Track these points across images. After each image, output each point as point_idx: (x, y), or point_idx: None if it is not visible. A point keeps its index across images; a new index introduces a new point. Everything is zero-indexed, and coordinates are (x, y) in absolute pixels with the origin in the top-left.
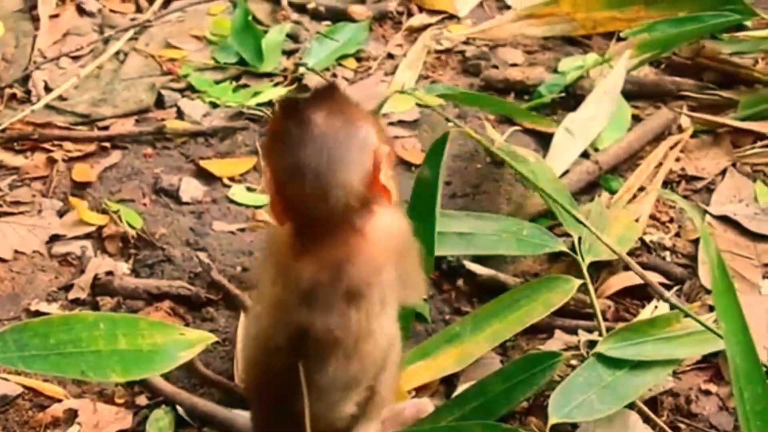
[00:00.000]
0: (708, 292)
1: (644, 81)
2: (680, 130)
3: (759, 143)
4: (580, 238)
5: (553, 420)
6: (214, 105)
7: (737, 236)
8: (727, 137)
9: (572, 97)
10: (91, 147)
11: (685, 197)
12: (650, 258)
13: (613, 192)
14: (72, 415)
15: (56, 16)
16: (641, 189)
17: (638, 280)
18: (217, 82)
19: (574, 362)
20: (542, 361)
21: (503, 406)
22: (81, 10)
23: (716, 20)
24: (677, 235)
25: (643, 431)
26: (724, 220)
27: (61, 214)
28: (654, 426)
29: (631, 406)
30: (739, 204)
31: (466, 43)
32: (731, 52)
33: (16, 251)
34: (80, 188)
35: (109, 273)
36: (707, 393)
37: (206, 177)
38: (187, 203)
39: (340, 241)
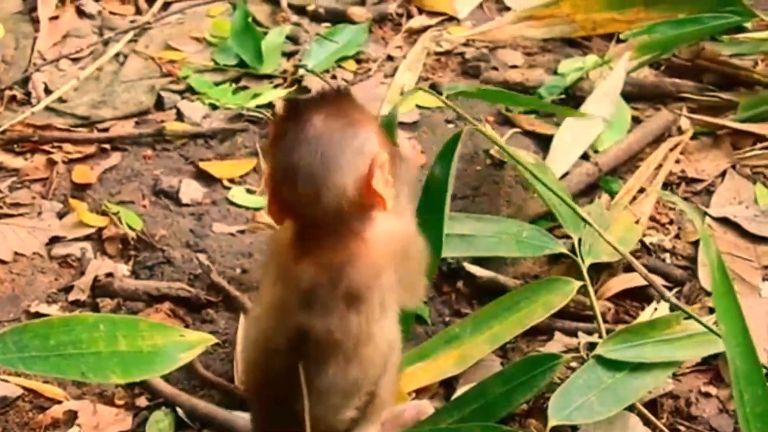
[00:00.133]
0: (708, 294)
1: (644, 83)
2: (680, 131)
3: (759, 145)
4: (580, 240)
5: (552, 422)
6: (214, 107)
7: (737, 238)
8: (727, 139)
9: (572, 99)
10: (91, 149)
11: (685, 199)
12: (650, 260)
13: (613, 194)
14: (72, 417)
15: (56, 18)
16: (641, 191)
17: (638, 282)
18: (217, 84)
19: (573, 364)
20: (542, 363)
21: (503, 408)
22: (81, 12)
23: (716, 22)
24: (677, 236)
25: None
26: (724, 222)
27: (61, 215)
28: (654, 428)
29: (631, 408)
30: (739, 206)
31: (465, 44)
32: (731, 54)
33: (16, 253)
34: (80, 190)
35: (109, 275)
36: (707, 395)
37: (206, 179)
38: (186, 205)
39: (340, 245)
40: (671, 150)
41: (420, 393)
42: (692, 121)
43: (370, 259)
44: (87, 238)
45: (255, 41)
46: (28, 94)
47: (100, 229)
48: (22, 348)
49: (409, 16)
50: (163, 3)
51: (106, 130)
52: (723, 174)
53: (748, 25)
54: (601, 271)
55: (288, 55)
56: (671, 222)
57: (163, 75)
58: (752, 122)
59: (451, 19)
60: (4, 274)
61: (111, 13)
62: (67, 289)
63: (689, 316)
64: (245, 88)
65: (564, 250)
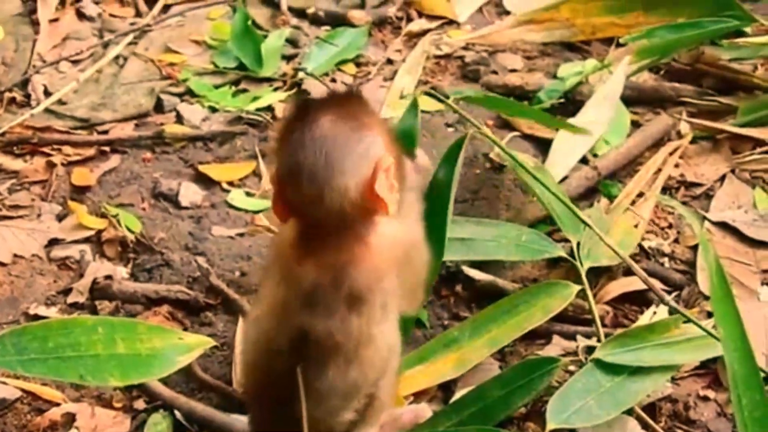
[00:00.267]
0: (706, 298)
1: (643, 87)
2: (679, 136)
3: (758, 149)
4: (578, 244)
5: (551, 426)
6: (214, 109)
7: (736, 242)
8: (726, 143)
9: (571, 103)
10: (91, 151)
11: (684, 203)
12: (649, 264)
13: (612, 198)
14: (70, 419)
15: (56, 20)
16: (640, 195)
17: (637, 286)
18: (217, 87)
19: (572, 368)
20: (540, 367)
21: (501, 412)
22: (81, 15)
23: (716, 26)
24: (676, 241)
25: None
26: (723, 226)
27: (60, 218)
28: None
29: (630, 412)
30: (738, 210)
31: (465, 48)
32: (730, 58)
33: (15, 255)
34: (79, 192)
35: (108, 277)
36: (705, 399)
37: (205, 181)
38: (186, 208)
39: (344, 247)
40: (670, 154)
41: (418, 396)
42: (692, 126)
43: (373, 263)
44: (86, 240)
45: (255, 44)
46: (28, 96)
47: (99, 232)
48: (21, 350)
49: (409, 20)
50: (163, 5)
51: (105, 132)
52: (722, 178)
53: (748, 29)
54: (599, 275)
55: (288, 59)
56: (670, 226)
57: (162, 77)
58: (751, 127)
59: (451, 22)
60: (3, 276)
61: (111, 15)
62: (66, 292)
63: (688, 320)
64: (245, 91)
65: (563, 253)
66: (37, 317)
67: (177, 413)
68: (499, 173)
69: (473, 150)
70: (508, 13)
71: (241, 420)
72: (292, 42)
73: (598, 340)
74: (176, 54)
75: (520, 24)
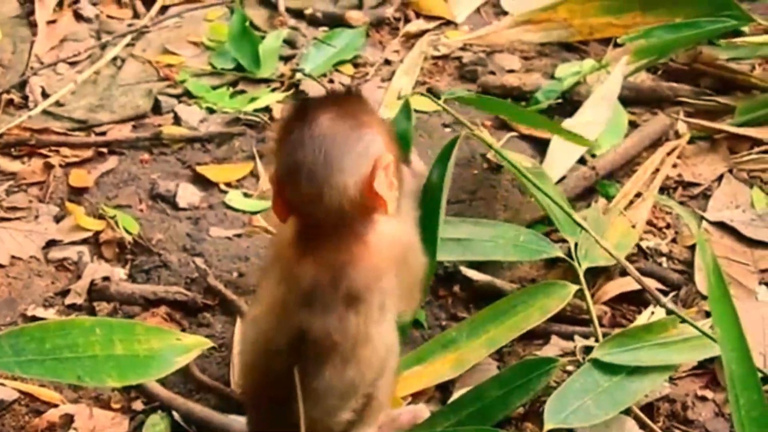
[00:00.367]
0: (704, 298)
1: (641, 87)
2: (677, 135)
3: (756, 149)
4: (576, 244)
5: (549, 426)
6: (211, 111)
7: (734, 242)
8: (724, 143)
9: (569, 103)
10: (88, 153)
11: (682, 203)
12: (647, 264)
13: (609, 198)
14: (68, 421)
15: (54, 21)
16: (638, 195)
17: (635, 286)
18: (214, 88)
19: (570, 368)
20: (538, 367)
21: (499, 412)
22: (78, 16)
23: (713, 26)
24: (674, 241)
25: None
26: (721, 226)
27: (57, 219)
28: None
29: (627, 411)
30: (736, 210)
31: (463, 49)
32: (728, 58)
33: (13, 257)
34: (77, 194)
35: (106, 278)
36: (703, 399)
37: (203, 183)
38: (183, 209)
39: (342, 245)
40: (668, 154)
41: (416, 397)
42: (689, 125)
43: (372, 262)
44: (84, 241)
45: (252, 45)
46: (26, 97)
47: (97, 233)
48: (19, 352)
49: (407, 21)
50: (161, 7)
51: (103, 133)
52: (720, 178)
53: (746, 29)
54: (597, 275)
55: (285, 59)
56: (668, 226)
57: (160, 79)
58: (749, 126)
59: (449, 23)
60: (1, 277)
61: (109, 16)
62: (64, 293)
63: (684, 321)
64: (242, 92)
65: (560, 254)
66: (34, 318)
67: (175, 414)
68: (496, 174)
69: (470, 150)
70: (505, 13)
71: (239, 421)
72: (289, 43)
73: (596, 340)
74: (174, 55)
75: (517, 24)
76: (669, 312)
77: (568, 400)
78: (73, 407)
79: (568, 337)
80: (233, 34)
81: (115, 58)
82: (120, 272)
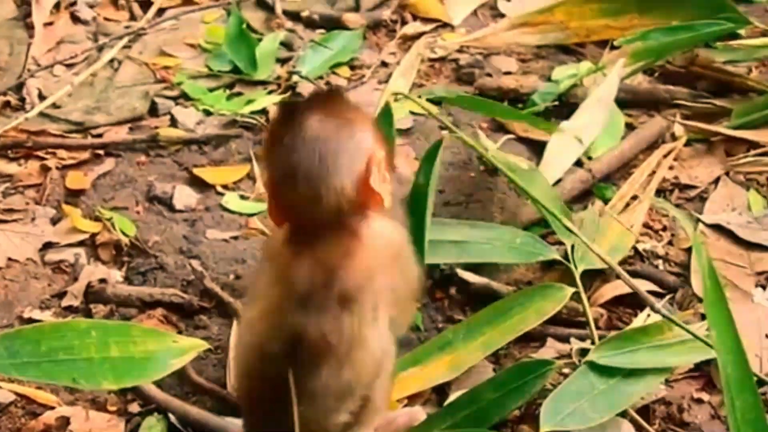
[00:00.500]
0: (701, 300)
1: (638, 89)
2: (674, 138)
3: (752, 152)
4: (573, 247)
5: (545, 428)
6: (208, 113)
7: (730, 245)
8: (720, 146)
9: (566, 106)
10: (85, 155)
11: (678, 206)
12: (643, 266)
13: (606, 200)
14: (64, 423)
15: (50, 24)
16: (634, 197)
17: (631, 289)
18: (211, 90)
19: (566, 370)
20: (534, 370)
21: (495, 415)
22: (75, 18)
23: (710, 29)
24: (670, 243)
25: None
26: (717, 228)
27: (54, 221)
28: None
29: (624, 414)
30: (732, 213)
31: (459, 51)
32: (725, 61)
33: (10, 259)
34: (74, 196)
35: (102, 281)
36: (699, 401)
37: (200, 185)
38: (180, 211)
39: (335, 245)
40: (665, 156)
41: (412, 399)
42: (686, 128)
43: (365, 260)
44: (80, 244)
45: (249, 47)
46: (23, 99)
47: (94, 235)
48: (14, 354)
49: (404, 23)
50: (158, 9)
51: (100, 136)
52: (716, 181)
53: (742, 32)
54: (594, 277)
55: (282, 62)
56: (664, 228)
57: (157, 81)
58: (746, 129)
59: (446, 25)
60: None
61: (105, 19)
62: (60, 295)
63: (677, 325)
64: (239, 94)
65: (557, 256)
66: (31, 321)
67: (171, 416)
68: (493, 176)
69: (467, 153)
70: (502, 15)
71: (235, 423)
72: (286, 45)
73: (592, 343)
74: (171, 57)
75: (514, 27)
76: (663, 316)
77: (564, 402)
78: (69, 409)
79: (565, 339)
80: (230, 37)
81: (111, 61)
82: (116, 274)
